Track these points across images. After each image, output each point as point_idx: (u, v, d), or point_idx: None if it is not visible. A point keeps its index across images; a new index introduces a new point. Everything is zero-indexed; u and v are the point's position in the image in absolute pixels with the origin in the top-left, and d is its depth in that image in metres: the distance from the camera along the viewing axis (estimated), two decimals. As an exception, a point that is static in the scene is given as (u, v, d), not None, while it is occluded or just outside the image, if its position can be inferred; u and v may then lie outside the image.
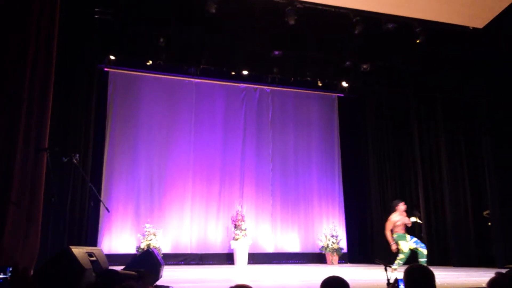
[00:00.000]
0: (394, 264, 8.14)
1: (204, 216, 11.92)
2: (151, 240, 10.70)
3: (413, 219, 11.82)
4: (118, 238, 11.04)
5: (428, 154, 11.70)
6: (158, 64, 11.02)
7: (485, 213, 10.56)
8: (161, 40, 10.05)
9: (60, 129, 9.41)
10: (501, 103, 10.32)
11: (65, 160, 6.28)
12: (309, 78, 12.02)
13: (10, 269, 5.49)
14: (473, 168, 10.89)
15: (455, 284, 6.09)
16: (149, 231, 10.84)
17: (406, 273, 2.97)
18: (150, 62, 11.08)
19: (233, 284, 2.34)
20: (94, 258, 4.68)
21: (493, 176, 10.19)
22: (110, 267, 4.83)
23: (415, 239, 8.59)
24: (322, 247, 12.32)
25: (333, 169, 13.46)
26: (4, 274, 5.46)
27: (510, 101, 10.23)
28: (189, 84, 12.47)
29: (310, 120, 13.53)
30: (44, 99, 6.51)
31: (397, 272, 7.63)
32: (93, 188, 6.74)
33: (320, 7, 9.29)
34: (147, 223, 10.98)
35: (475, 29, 10.01)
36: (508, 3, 9.27)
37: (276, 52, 10.79)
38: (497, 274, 2.95)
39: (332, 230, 12.50)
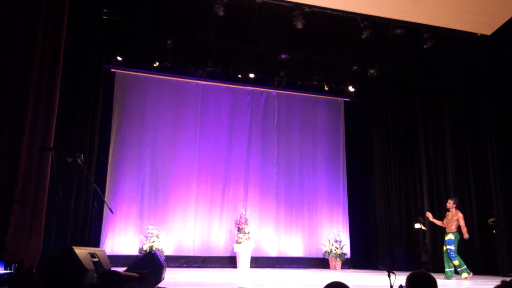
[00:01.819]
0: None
1: (207, 219, 11.90)
2: (154, 242, 10.69)
3: (417, 225, 11.77)
4: (121, 239, 11.05)
5: (433, 160, 11.65)
6: (165, 65, 11.07)
7: (490, 220, 10.49)
8: (168, 42, 10.10)
9: (65, 129, 9.40)
10: (508, 109, 10.26)
11: (70, 160, 6.27)
12: (315, 82, 12.02)
13: (15, 265, 5.52)
14: (479, 175, 10.83)
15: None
16: (152, 233, 10.83)
17: (408, 279, 2.95)
18: (157, 63, 11.11)
19: (234, 288, 2.31)
20: (96, 259, 4.67)
21: (498, 183, 10.12)
22: (112, 269, 4.82)
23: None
24: (326, 252, 12.26)
25: (338, 174, 13.42)
26: (9, 270, 5.48)
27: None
28: (195, 86, 12.47)
29: (316, 124, 13.50)
30: (51, 99, 6.53)
31: (402, 277, 7.58)
32: (97, 188, 6.73)
33: (328, 11, 9.30)
34: (151, 224, 10.98)
35: (483, 35, 9.97)
36: (517, 11, 9.25)
37: (283, 56, 10.81)
38: (502, 282, 2.92)
39: (336, 235, 12.44)
